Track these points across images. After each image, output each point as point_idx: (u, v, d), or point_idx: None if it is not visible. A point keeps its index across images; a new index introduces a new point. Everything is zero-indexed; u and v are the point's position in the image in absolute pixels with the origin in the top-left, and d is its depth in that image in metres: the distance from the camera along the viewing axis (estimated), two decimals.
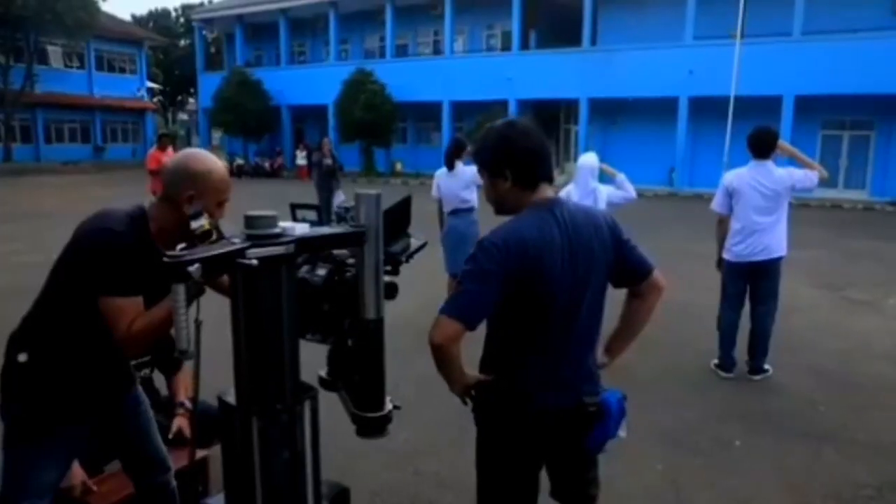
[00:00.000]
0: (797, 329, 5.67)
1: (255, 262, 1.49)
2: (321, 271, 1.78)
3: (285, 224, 1.65)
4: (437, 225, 5.92)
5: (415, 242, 1.97)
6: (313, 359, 1.86)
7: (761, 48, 19.29)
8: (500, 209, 1.97)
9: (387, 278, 1.80)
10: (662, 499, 3.09)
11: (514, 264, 1.76)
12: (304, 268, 1.77)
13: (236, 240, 1.56)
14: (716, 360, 4.76)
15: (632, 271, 1.99)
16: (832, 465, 3.41)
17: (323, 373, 1.90)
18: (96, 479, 2.47)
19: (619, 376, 4.57)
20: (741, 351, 4.69)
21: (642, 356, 5.07)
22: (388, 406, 1.85)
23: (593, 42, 23.38)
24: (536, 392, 1.89)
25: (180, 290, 1.44)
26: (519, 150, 1.87)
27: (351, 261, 1.78)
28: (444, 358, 1.83)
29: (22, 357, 1.93)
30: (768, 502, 3.07)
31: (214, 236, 1.79)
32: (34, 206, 15.27)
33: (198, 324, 1.56)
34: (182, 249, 1.83)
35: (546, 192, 1.90)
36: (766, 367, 4.62)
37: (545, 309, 1.84)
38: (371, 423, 1.81)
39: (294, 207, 1.91)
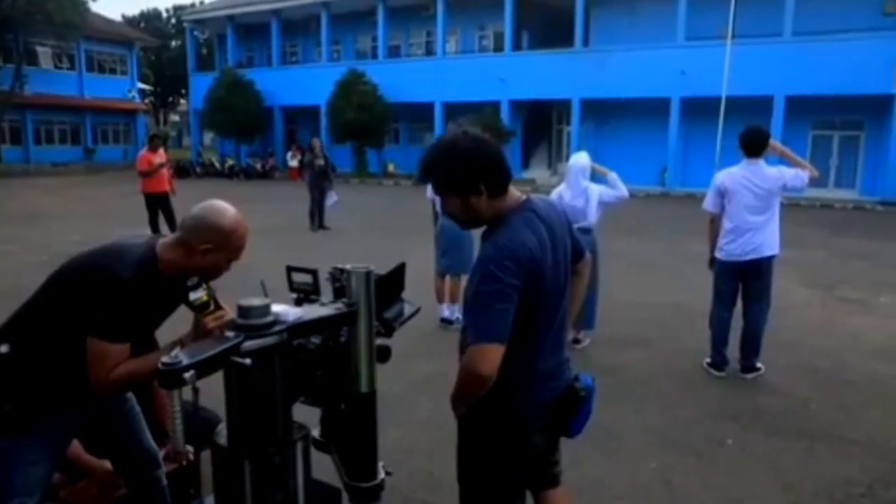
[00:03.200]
0: (789, 328, 5.69)
1: (248, 361, 1.51)
2: (316, 339, 1.80)
3: (278, 308, 1.67)
4: (431, 224, 5.92)
5: (408, 308, 2.01)
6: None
7: (752, 49, 19.39)
8: (474, 223, 1.90)
9: (380, 341, 1.83)
10: (655, 498, 3.09)
11: (527, 275, 1.74)
12: None
13: (230, 333, 1.58)
14: (708, 359, 4.77)
15: (575, 253, 2.05)
16: (824, 462, 3.42)
17: (316, 433, 1.91)
18: (87, 481, 2.45)
19: (611, 376, 4.59)
20: (733, 350, 4.70)
21: (635, 355, 5.09)
22: (381, 474, 1.86)
23: (585, 43, 23.43)
24: (527, 388, 1.90)
25: (175, 396, 1.46)
26: (486, 159, 1.79)
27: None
28: (486, 386, 1.74)
29: (3, 348, 1.92)
30: (761, 501, 3.07)
31: (212, 307, 1.85)
32: (26, 207, 15.16)
33: (195, 390, 1.56)
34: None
35: (514, 193, 1.89)
36: (759, 365, 4.63)
37: (538, 309, 1.84)
38: (364, 493, 1.84)
39: (290, 270, 1.94)
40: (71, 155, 31.23)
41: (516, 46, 24.99)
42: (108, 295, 1.79)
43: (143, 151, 10.42)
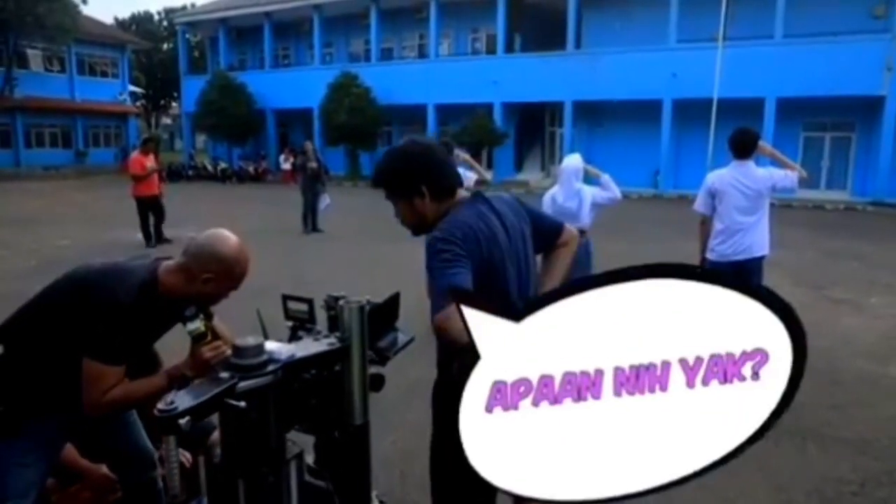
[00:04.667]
0: None
1: (242, 404, 1.54)
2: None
3: (271, 346, 1.69)
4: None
5: (402, 338, 2.02)
6: None
7: (743, 51, 19.51)
8: (420, 228, 1.97)
9: (373, 369, 1.84)
10: (647, 499, 3.09)
11: (472, 252, 1.76)
12: None
13: (224, 374, 1.60)
14: None
15: (549, 233, 2.11)
16: (816, 462, 3.44)
17: (310, 460, 1.92)
18: (80, 485, 2.44)
19: None
20: None
21: None
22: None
23: (578, 45, 23.51)
24: None
25: (171, 441, 1.48)
26: (429, 163, 1.91)
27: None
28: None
29: None
30: (754, 501, 3.08)
31: (209, 337, 1.87)
32: (16, 211, 15.06)
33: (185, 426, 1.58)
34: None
35: (462, 194, 1.94)
36: None
37: (503, 298, 1.83)
38: None
39: (285, 299, 1.96)
40: (62, 158, 31.09)
41: (509, 49, 25.06)
42: (108, 318, 1.81)
43: (136, 154, 10.39)
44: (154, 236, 10.13)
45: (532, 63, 23.62)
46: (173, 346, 1.95)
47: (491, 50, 25.83)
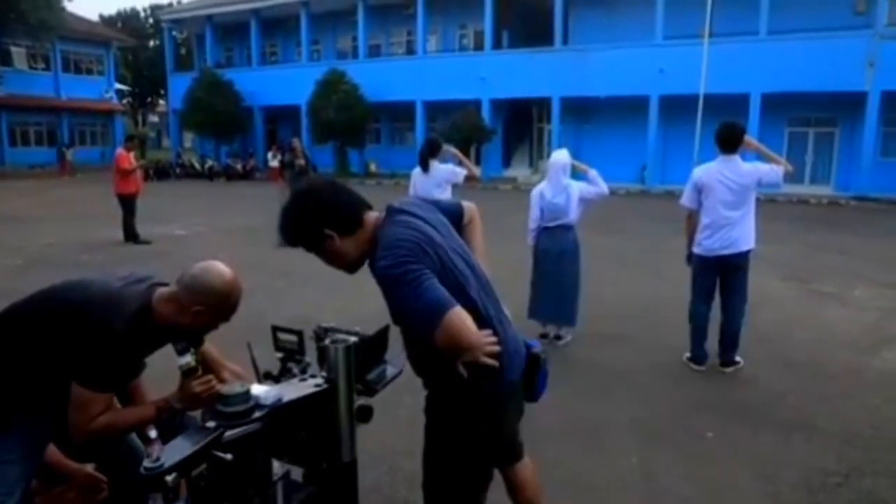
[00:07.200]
0: (767, 322, 5.77)
1: (228, 456, 1.54)
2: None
3: (257, 391, 1.69)
4: None
5: (391, 371, 2.01)
6: None
7: (729, 47, 19.62)
8: (352, 265, 1.92)
9: (361, 400, 1.84)
10: (637, 490, 3.12)
11: (425, 261, 1.74)
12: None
13: (210, 424, 1.59)
14: (688, 354, 4.82)
15: (456, 217, 2.12)
16: (801, 453, 3.48)
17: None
18: (65, 486, 2.42)
19: (593, 371, 4.64)
20: (713, 344, 4.76)
21: (616, 350, 5.13)
22: None
23: (565, 41, 23.54)
24: (503, 368, 1.87)
25: (159, 500, 1.51)
26: (322, 206, 1.84)
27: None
28: (474, 343, 1.71)
29: None
30: (740, 492, 3.11)
31: (199, 371, 1.89)
32: (2, 210, 14.85)
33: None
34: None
35: (372, 215, 1.90)
36: (738, 359, 4.69)
37: (464, 288, 1.83)
38: None
39: (275, 330, 1.96)
40: (47, 156, 30.68)
41: (497, 45, 25.05)
42: (101, 347, 1.81)
43: (121, 151, 10.36)
44: (131, 234, 10.11)
45: (519, 59, 23.64)
46: (162, 351, 1.95)
47: (479, 46, 25.80)
